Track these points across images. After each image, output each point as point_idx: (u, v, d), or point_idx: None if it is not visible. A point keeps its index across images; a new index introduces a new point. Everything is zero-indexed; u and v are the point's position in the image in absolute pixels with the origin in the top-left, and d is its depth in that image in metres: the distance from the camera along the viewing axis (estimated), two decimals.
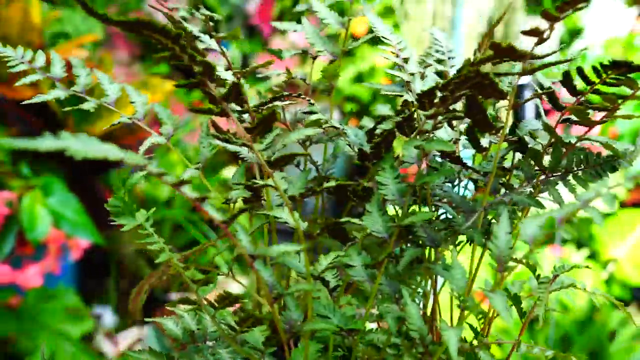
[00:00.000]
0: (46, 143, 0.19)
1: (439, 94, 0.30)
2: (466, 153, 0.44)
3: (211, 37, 0.39)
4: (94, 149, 0.20)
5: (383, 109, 0.45)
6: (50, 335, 1.28)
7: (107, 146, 0.21)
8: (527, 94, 0.38)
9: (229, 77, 0.40)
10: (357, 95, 2.18)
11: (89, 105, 0.42)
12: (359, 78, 2.17)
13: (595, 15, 2.09)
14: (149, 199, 1.61)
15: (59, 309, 1.36)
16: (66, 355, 1.25)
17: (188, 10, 0.41)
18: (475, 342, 0.43)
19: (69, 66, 0.43)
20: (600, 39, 2.00)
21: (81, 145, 0.20)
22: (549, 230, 0.26)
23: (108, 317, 1.64)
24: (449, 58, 0.44)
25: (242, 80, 0.37)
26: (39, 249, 1.17)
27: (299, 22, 0.46)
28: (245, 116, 0.39)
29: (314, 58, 0.47)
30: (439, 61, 0.44)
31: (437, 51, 0.45)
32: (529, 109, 0.73)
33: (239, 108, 0.33)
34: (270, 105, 0.38)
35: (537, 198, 0.37)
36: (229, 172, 1.84)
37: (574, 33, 2.10)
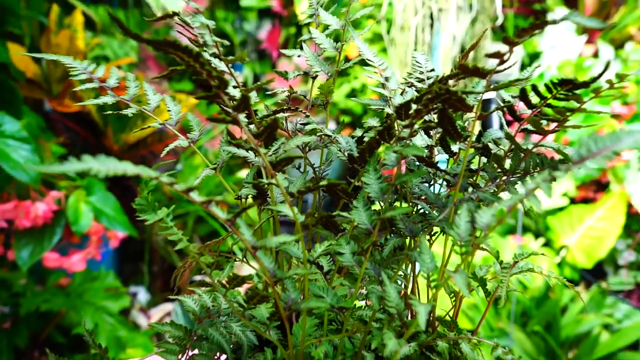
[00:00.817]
0: (74, 166, 0.20)
1: (414, 106, 0.30)
2: (442, 157, 0.44)
3: (220, 60, 0.39)
4: (113, 167, 0.21)
5: (372, 121, 0.45)
6: (94, 310, 1.28)
7: (124, 164, 0.21)
8: (493, 107, 0.37)
9: (237, 93, 0.39)
10: (351, 108, 2.18)
11: (131, 110, 0.42)
12: (353, 94, 2.17)
13: (550, 41, 2.09)
14: (176, 196, 1.61)
15: (101, 289, 1.36)
16: (106, 327, 1.25)
17: (206, 36, 0.40)
18: (447, 318, 0.42)
19: (121, 81, 0.44)
20: (555, 62, 2.00)
21: (102, 166, 0.20)
22: (502, 217, 0.25)
23: (142, 295, 1.64)
24: (427, 77, 0.44)
25: (251, 95, 0.36)
26: (82, 239, 1.17)
27: (301, 48, 0.46)
28: (252, 126, 0.38)
29: (314, 78, 0.47)
30: (420, 80, 0.44)
31: (418, 72, 0.45)
32: (494, 120, 0.72)
33: (247, 119, 0.32)
34: (273, 116, 0.37)
35: (499, 196, 0.37)
36: (244, 173, 1.85)
37: (533, 56, 2.10)
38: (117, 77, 0.43)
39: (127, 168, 0.21)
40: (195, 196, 0.25)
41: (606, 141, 0.23)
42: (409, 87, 0.44)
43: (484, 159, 0.39)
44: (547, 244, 1.63)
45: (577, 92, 0.34)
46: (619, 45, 2.10)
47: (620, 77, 0.33)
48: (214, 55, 0.39)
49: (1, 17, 1.32)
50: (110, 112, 0.43)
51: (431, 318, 0.41)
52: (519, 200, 0.24)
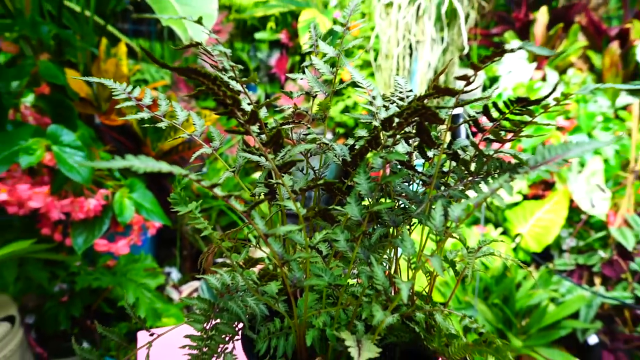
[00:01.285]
0: (119, 163, 0.20)
1: (396, 120, 0.29)
2: (419, 161, 0.43)
3: (236, 81, 0.38)
4: (150, 165, 0.21)
5: (362, 132, 0.44)
6: (135, 287, 1.28)
7: (160, 163, 0.21)
8: (461, 120, 0.37)
9: (248, 108, 0.39)
10: (345, 122, 2.18)
11: (163, 124, 0.41)
12: (346, 110, 2.17)
13: (507, 67, 2.09)
14: (202, 193, 1.61)
15: (141, 269, 1.35)
16: (145, 300, 1.25)
17: (225, 63, 0.40)
18: (424, 293, 0.42)
19: (155, 100, 0.43)
20: (511, 84, 2.00)
21: (142, 163, 0.20)
22: (470, 211, 0.25)
23: (174, 274, 1.64)
24: (407, 96, 0.44)
25: (261, 111, 0.36)
26: (126, 228, 1.16)
27: (304, 72, 0.46)
28: (264, 136, 0.38)
29: (314, 96, 0.46)
30: (401, 98, 0.43)
31: (399, 92, 0.44)
32: (462, 131, 0.72)
33: (257, 130, 0.32)
34: (279, 128, 0.37)
35: (466, 193, 0.37)
36: (257, 174, 1.84)
37: (493, 80, 2.09)
38: (150, 97, 0.43)
39: (162, 166, 0.21)
40: (218, 192, 0.24)
41: (558, 151, 0.23)
42: (392, 104, 0.43)
43: (453, 163, 0.39)
44: (505, 232, 1.63)
45: (530, 108, 0.33)
46: (562, 71, 2.10)
47: (565, 96, 0.32)
48: (231, 77, 0.39)
49: (61, 48, 1.32)
50: (147, 125, 0.43)
51: (411, 293, 0.41)
52: (485, 198, 0.23)
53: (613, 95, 1.92)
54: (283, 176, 0.33)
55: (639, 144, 1.53)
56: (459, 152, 0.39)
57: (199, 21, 0.39)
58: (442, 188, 0.37)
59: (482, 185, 0.37)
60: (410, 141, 0.43)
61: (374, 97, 0.42)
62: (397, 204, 0.39)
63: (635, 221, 1.46)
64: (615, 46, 1.97)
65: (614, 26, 2.16)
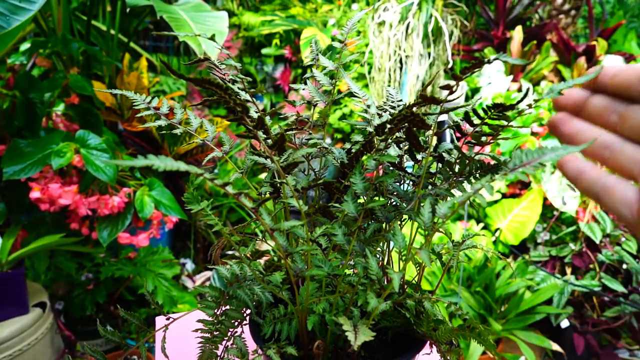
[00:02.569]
0: (141, 162, 0.19)
1: (388, 126, 0.29)
2: (409, 163, 0.43)
3: (245, 92, 0.38)
4: (169, 164, 0.20)
5: (358, 137, 0.44)
6: (153, 276, 1.28)
7: (178, 162, 0.21)
8: (446, 126, 0.37)
9: (255, 116, 0.39)
10: (342, 128, 2.17)
11: (179, 130, 0.41)
12: (343, 117, 2.17)
13: (486, 80, 2.09)
14: (214, 192, 1.60)
15: (159, 260, 1.35)
16: (163, 289, 1.25)
17: (235, 75, 0.40)
18: (413, 282, 0.42)
19: (171, 109, 0.43)
20: (490, 94, 2.00)
21: (161, 162, 0.20)
22: (455, 208, 0.25)
23: (189, 265, 1.63)
24: (398, 105, 0.43)
25: (267, 118, 0.36)
26: (146, 222, 1.16)
27: (306, 83, 0.45)
28: (269, 141, 0.38)
29: (315, 105, 0.46)
30: (392, 107, 0.43)
31: (391, 101, 0.44)
32: (447, 136, 0.71)
33: (264, 135, 0.32)
34: (284, 133, 0.37)
35: (451, 191, 0.36)
36: (263, 175, 1.84)
37: (474, 91, 2.09)
38: (167, 106, 0.42)
39: (180, 165, 0.21)
40: (230, 190, 0.24)
41: (534, 155, 0.23)
42: (384, 112, 0.43)
43: (440, 165, 0.39)
44: (486, 227, 1.62)
45: (506, 113, 0.33)
46: (536, 83, 2.10)
47: (536, 101, 0.32)
48: (240, 88, 0.38)
49: (89, 63, 1.31)
50: (165, 131, 0.42)
51: (402, 282, 0.41)
52: (469, 197, 0.23)
53: None
54: (287, 176, 0.32)
55: None
56: (445, 154, 0.38)
57: (212, 38, 0.38)
58: (430, 187, 0.37)
59: (465, 185, 0.36)
60: (401, 145, 0.43)
61: (368, 106, 0.42)
62: (389, 202, 0.39)
63: (602, 217, 1.46)
64: (582, 61, 1.97)
65: (581, 43, 2.16)
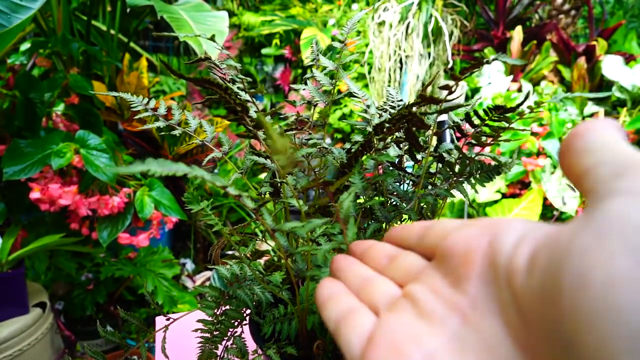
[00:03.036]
0: (138, 167, 0.19)
1: (387, 126, 0.29)
2: (409, 163, 0.43)
3: (245, 92, 0.38)
4: (167, 168, 0.20)
5: (357, 137, 0.44)
6: (153, 276, 1.28)
7: (177, 165, 0.20)
8: (446, 126, 0.37)
9: (255, 115, 0.39)
10: (342, 128, 2.17)
11: (177, 132, 0.41)
12: (343, 117, 2.17)
13: (486, 80, 2.09)
14: (214, 192, 1.60)
15: (159, 260, 1.35)
16: (163, 289, 1.24)
17: (235, 75, 0.40)
18: None
19: (169, 109, 0.43)
20: (490, 94, 2.00)
21: (159, 167, 0.20)
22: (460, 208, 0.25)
23: (189, 265, 1.63)
24: (397, 105, 0.43)
25: (267, 117, 0.36)
26: (146, 223, 1.16)
27: (306, 83, 0.45)
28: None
29: (315, 105, 0.46)
30: (392, 107, 0.43)
31: (391, 101, 0.44)
32: (447, 136, 0.71)
33: (264, 135, 0.32)
34: (284, 132, 0.37)
35: (451, 192, 0.36)
36: (263, 175, 1.83)
37: (474, 91, 2.09)
38: (165, 107, 0.42)
39: (178, 168, 0.20)
40: (231, 190, 0.24)
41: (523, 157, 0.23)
42: (384, 112, 0.43)
43: (439, 165, 0.39)
44: None
45: (507, 115, 0.33)
46: (536, 83, 2.10)
47: (537, 104, 0.32)
48: (240, 88, 0.38)
49: (89, 63, 1.31)
50: (164, 132, 0.42)
51: None
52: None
53: (581, 105, 1.92)
54: (287, 176, 0.32)
55: None
56: (445, 155, 0.38)
57: (212, 38, 0.38)
58: (430, 187, 0.36)
59: (466, 185, 0.36)
60: (401, 145, 0.43)
61: (368, 106, 0.42)
62: (388, 202, 0.39)
63: None
64: (582, 61, 1.97)
65: (581, 43, 2.16)
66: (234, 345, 0.36)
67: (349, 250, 0.25)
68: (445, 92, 0.30)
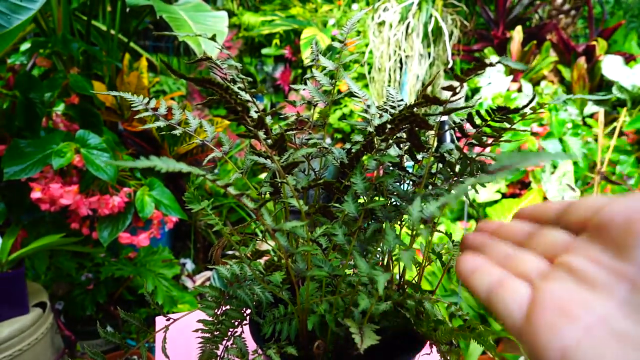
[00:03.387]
0: (143, 163, 0.19)
1: (388, 126, 0.29)
2: (409, 163, 0.43)
3: (245, 92, 0.38)
4: (171, 165, 0.20)
5: (358, 137, 0.44)
6: (153, 276, 1.28)
7: (180, 164, 0.21)
8: (447, 127, 0.37)
9: (255, 115, 0.39)
10: (342, 128, 2.17)
11: (178, 131, 0.41)
12: (343, 117, 2.17)
13: (487, 80, 2.09)
14: (214, 192, 1.60)
15: (159, 260, 1.35)
16: (163, 289, 1.24)
17: (235, 75, 0.40)
18: (414, 282, 0.42)
19: (169, 109, 0.43)
20: (490, 94, 2.00)
21: (163, 164, 0.20)
22: (452, 207, 0.24)
23: (189, 265, 1.63)
24: (398, 105, 0.43)
25: (267, 118, 0.36)
26: (147, 222, 1.16)
27: (306, 83, 0.45)
28: (270, 141, 0.38)
29: (315, 105, 0.46)
30: (393, 107, 0.43)
31: (391, 101, 0.44)
32: (447, 136, 0.71)
33: (264, 135, 0.32)
34: (284, 133, 0.37)
35: (452, 192, 0.36)
36: (263, 175, 1.83)
37: (474, 90, 2.09)
38: (165, 107, 0.42)
39: (182, 166, 0.21)
40: (232, 190, 0.24)
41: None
42: (384, 112, 0.43)
43: (440, 165, 0.39)
44: None
45: (509, 116, 0.33)
46: (536, 83, 2.10)
47: (540, 106, 0.32)
48: (240, 88, 0.38)
49: (89, 63, 1.31)
50: (164, 132, 0.42)
51: (402, 283, 0.41)
52: (459, 195, 0.23)
53: (581, 105, 1.92)
54: (287, 176, 0.32)
55: (604, 148, 1.53)
56: (445, 155, 0.38)
57: (212, 38, 0.38)
58: (430, 187, 0.36)
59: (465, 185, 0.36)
60: (402, 145, 0.43)
61: (368, 106, 0.42)
62: (389, 202, 0.39)
63: None
64: (582, 61, 1.97)
65: (581, 43, 2.16)
66: (234, 345, 0.36)
67: (478, 229, 0.26)
68: (446, 92, 0.30)
